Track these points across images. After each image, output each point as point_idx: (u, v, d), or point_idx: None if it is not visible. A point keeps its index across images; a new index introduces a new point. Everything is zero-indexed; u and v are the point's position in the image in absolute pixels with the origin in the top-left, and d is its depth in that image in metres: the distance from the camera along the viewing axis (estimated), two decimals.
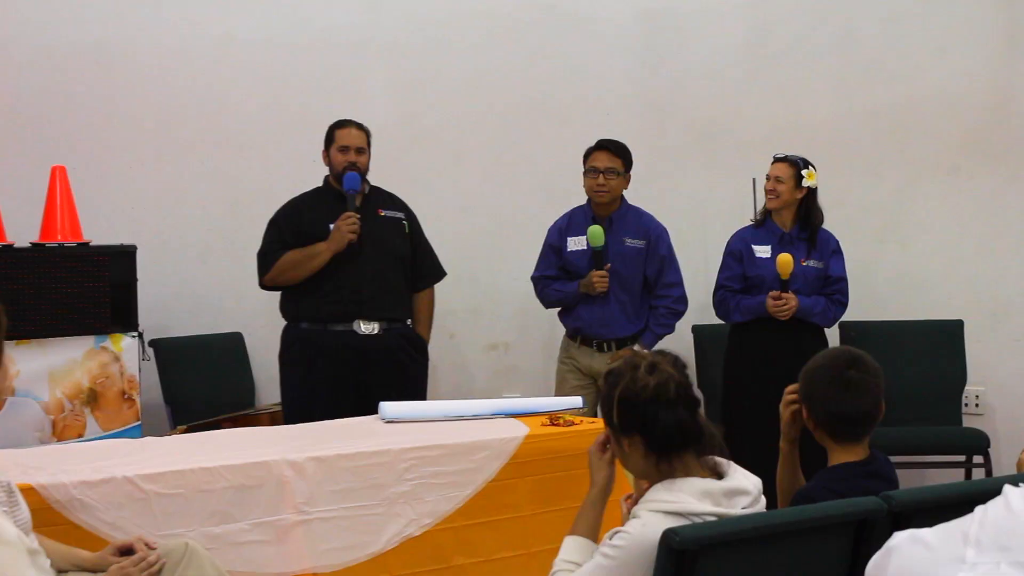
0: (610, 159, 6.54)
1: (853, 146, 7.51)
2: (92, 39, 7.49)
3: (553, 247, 6.68)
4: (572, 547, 3.32)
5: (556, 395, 6.52)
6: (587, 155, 6.60)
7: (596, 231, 6.45)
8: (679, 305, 6.70)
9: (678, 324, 6.96)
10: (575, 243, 6.60)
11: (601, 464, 3.43)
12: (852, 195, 7.41)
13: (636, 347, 6.55)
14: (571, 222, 6.68)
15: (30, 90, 7.42)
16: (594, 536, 3.30)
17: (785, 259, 6.33)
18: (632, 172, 6.63)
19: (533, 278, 6.76)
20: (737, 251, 6.60)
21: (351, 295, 6.14)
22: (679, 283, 6.70)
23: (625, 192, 6.65)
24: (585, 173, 6.57)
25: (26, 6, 7.40)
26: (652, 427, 3.12)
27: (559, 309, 6.76)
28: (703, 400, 3.96)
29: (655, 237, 6.66)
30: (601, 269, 6.46)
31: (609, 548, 3.05)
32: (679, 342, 6.96)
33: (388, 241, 6.29)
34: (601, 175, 6.51)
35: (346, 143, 6.27)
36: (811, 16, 7.62)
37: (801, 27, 7.63)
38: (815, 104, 7.57)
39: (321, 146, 6.43)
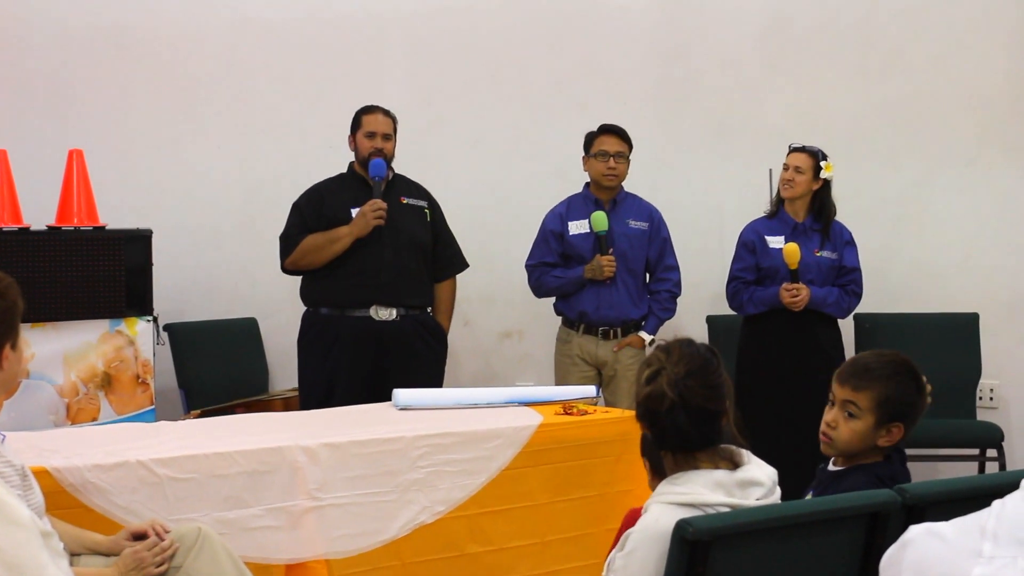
0: (619, 143, 6.56)
1: (870, 137, 7.49)
2: (109, 22, 7.50)
3: (554, 233, 6.66)
4: None
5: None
6: (591, 139, 6.61)
7: (600, 216, 6.47)
8: (678, 289, 6.75)
9: (693, 314, 6.94)
10: (577, 227, 6.61)
11: None
12: (869, 186, 7.39)
13: (642, 334, 6.57)
14: (570, 207, 6.69)
15: (47, 73, 7.43)
16: None
17: (791, 248, 6.31)
18: (649, 162, 6.63)
19: (529, 265, 6.73)
20: (750, 242, 6.59)
21: (370, 280, 6.14)
22: (678, 267, 6.75)
23: (637, 179, 6.66)
24: (594, 157, 6.57)
25: None
26: (651, 426, 3.15)
27: (553, 299, 6.76)
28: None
29: (657, 219, 6.72)
30: (606, 254, 6.46)
31: (621, 558, 3.05)
32: (694, 333, 6.94)
33: (408, 228, 6.28)
34: (612, 159, 6.52)
35: (373, 129, 6.27)
36: (829, 7, 7.59)
37: (819, 18, 7.60)
38: (833, 95, 7.54)
39: (338, 131, 6.44)
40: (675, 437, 3.11)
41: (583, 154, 6.65)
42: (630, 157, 6.61)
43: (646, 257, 6.68)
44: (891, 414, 3.48)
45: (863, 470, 3.49)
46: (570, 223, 6.63)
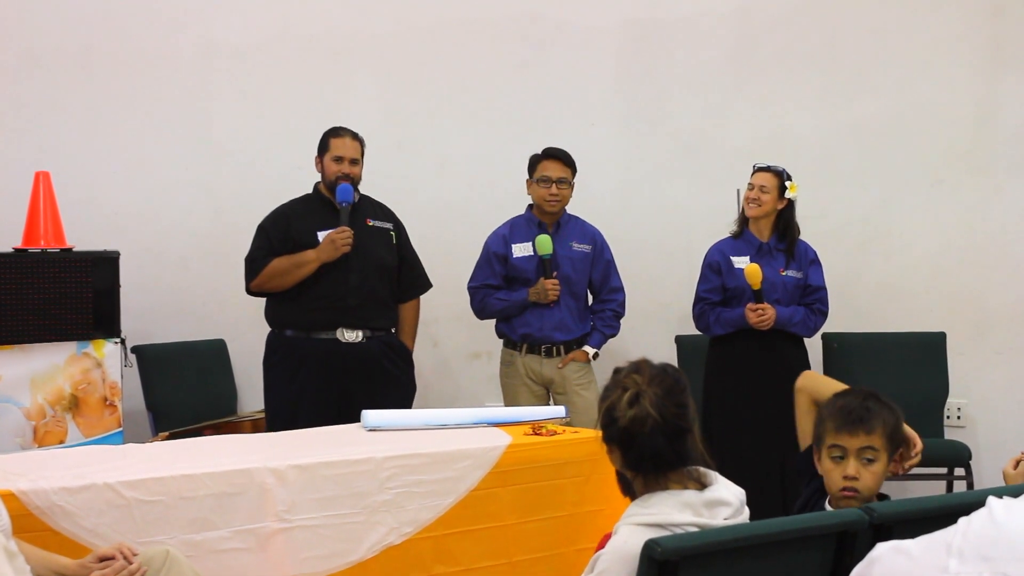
0: (562, 169, 6.58)
1: (837, 158, 7.53)
2: (76, 45, 7.49)
3: (497, 255, 6.67)
4: None
5: None
6: (535, 163, 6.64)
7: (544, 240, 6.49)
8: (623, 309, 6.79)
9: (661, 334, 6.95)
10: (521, 249, 6.62)
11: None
12: (835, 206, 7.43)
13: (587, 348, 6.59)
14: (513, 229, 6.71)
15: (14, 96, 7.40)
16: None
17: (753, 269, 6.32)
18: (616, 183, 6.63)
19: (471, 287, 6.73)
20: (715, 263, 6.59)
21: (336, 303, 6.14)
22: (623, 288, 6.79)
23: (604, 201, 6.68)
24: (537, 182, 6.59)
25: (11, 11, 7.39)
26: (628, 449, 3.15)
27: (495, 321, 6.78)
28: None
29: (600, 242, 6.75)
30: (550, 277, 6.48)
31: None
32: (662, 353, 6.95)
33: (375, 251, 6.29)
34: (554, 184, 6.54)
35: (341, 153, 6.26)
36: (796, 28, 7.63)
37: (786, 39, 7.64)
38: (799, 116, 7.58)
39: (305, 152, 6.42)
40: (652, 458, 3.11)
41: (527, 177, 6.67)
42: (574, 181, 6.63)
43: (589, 279, 6.71)
44: (896, 442, 3.55)
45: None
46: (514, 245, 6.64)
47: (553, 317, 6.57)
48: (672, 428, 3.10)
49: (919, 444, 3.60)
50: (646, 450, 3.10)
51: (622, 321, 6.79)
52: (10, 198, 6.79)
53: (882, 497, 3.55)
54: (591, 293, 6.78)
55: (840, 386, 3.81)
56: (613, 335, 6.76)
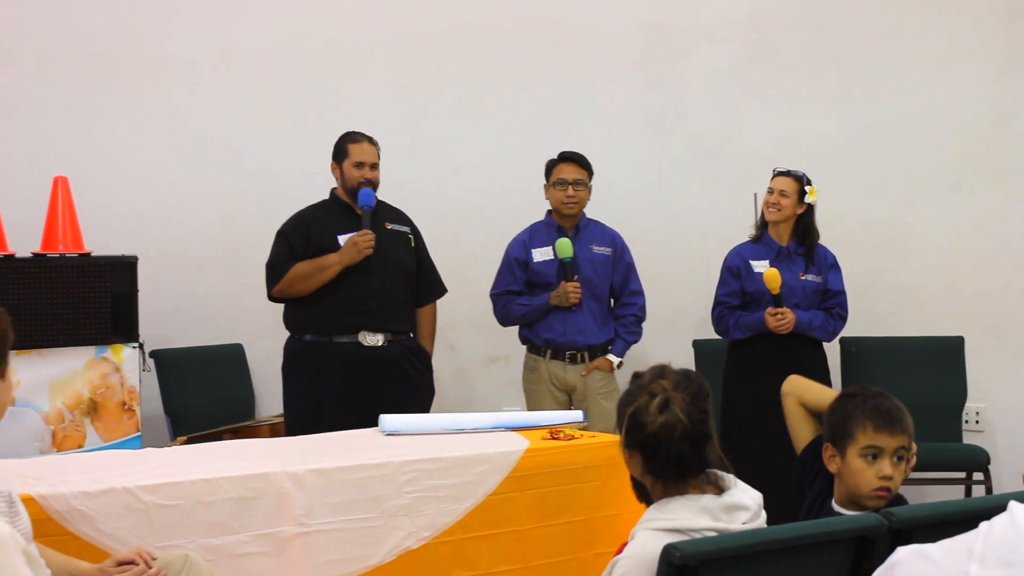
0: (578, 171, 6.59)
1: (853, 162, 7.53)
2: (94, 50, 7.51)
3: (517, 261, 6.69)
4: None
5: None
6: (551, 167, 6.66)
7: (565, 243, 6.50)
8: (644, 313, 6.78)
9: (679, 339, 6.94)
10: (541, 254, 6.64)
11: None
12: (852, 211, 7.42)
13: (610, 357, 6.58)
14: (533, 235, 6.73)
15: (33, 101, 7.42)
16: None
17: (772, 274, 6.32)
18: (633, 187, 6.63)
19: (493, 294, 6.76)
20: (735, 267, 6.60)
21: (358, 307, 6.14)
22: (642, 291, 6.79)
23: (621, 204, 6.67)
24: (553, 185, 6.61)
25: (30, 16, 7.41)
26: (652, 455, 3.13)
27: (518, 327, 6.77)
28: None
29: (620, 245, 6.76)
30: (571, 280, 6.47)
31: None
32: (680, 357, 6.95)
33: (394, 255, 6.29)
34: (570, 187, 6.54)
35: (361, 159, 6.27)
36: (812, 32, 7.64)
37: (802, 43, 7.65)
38: (816, 120, 7.58)
39: (320, 159, 6.44)
40: (676, 464, 3.10)
41: (544, 181, 6.67)
42: (591, 184, 6.63)
43: (610, 282, 6.70)
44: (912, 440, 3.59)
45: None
46: (533, 250, 6.66)
47: (576, 321, 6.57)
48: (698, 434, 3.10)
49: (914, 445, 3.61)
50: (671, 456, 3.08)
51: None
52: (29, 203, 6.80)
53: (900, 500, 3.55)
54: (612, 296, 6.76)
55: (825, 389, 3.92)
56: (635, 341, 6.74)
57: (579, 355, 6.60)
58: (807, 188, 6.44)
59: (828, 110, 7.59)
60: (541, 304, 6.58)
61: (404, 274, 6.34)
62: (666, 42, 7.76)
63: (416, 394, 6.27)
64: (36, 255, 6.53)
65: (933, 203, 7.46)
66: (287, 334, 6.34)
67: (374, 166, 6.29)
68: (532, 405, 6.67)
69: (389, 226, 6.35)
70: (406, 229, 6.45)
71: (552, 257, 6.58)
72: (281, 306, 6.36)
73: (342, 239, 6.17)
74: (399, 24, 7.78)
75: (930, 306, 7.44)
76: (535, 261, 6.63)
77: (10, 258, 6.44)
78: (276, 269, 6.26)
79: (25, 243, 6.58)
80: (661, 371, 3.18)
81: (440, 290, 6.62)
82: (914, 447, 3.60)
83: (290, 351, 6.32)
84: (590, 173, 6.63)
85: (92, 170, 7.30)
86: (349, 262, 6.13)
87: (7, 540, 2.65)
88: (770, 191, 6.52)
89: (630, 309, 6.73)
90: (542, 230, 6.70)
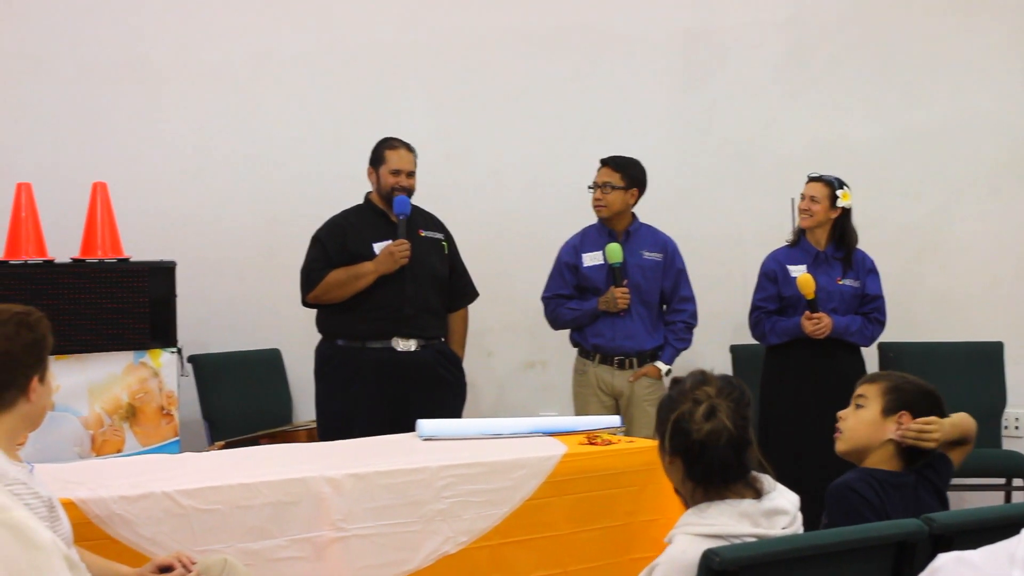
0: (607, 174, 6.56)
1: (891, 166, 7.50)
2: (132, 56, 7.54)
3: (568, 265, 6.67)
4: None
5: None
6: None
7: (614, 248, 6.47)
8: (694, 320, 6.73)
9: (716, 344, 6.92)
10: (591, 259, 6.60)
11: None
12: (891, 215, 7.39)
13: (659, 364, 6.55)
14: (584, 239, 6.70)
15: (71, 106, 7.46)
16: None
17: (806, 279, 6.30)
18: (669, 192, 6.60)
19: (544, 298, 6.73)
20: (772, 272, 6.58)
21: (391, 314, 6.14)
22: (693, 298, 6.73)
23: (657, 209, 6.66)
24: (589, 188, 6.62)
25: (69, 23, 7.44)
26: (696, 462, 3.11)
27: (569, 331, 6.76)
28: None
29: (671, 250, 6.70)
30: (620, 286, 6.46)
31: None
32: (717, 362, 6.93)
33: (428, 261, 6.29)
34: (599, 189, 6.53)
35: (398, 167, 6.26)
36: (849, 36, 7.61)
37: (838, 47, 7.62)
38: (853, 124, 7.56)
39: (357, 163, 6.44)
40: (720, 471, 3.09)
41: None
42: (633, 188, 6.59)
43: (660, 288, 6.66)
44: (898, 402, 3.70)
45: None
46: (584, 255, 6.63)
47: (624, 326, 6.54)
48: (741, 440, 3.09)
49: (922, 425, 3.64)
50: (716, 463, 3.07)
51: None
52: (68, 208, 6.83)
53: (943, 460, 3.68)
54: (663, 303, 6.73)
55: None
56: (685, 348, 6.69)
57: (627, 361, 6.57)
58: (839, 192, 6.42)
59: (866, 114, 7.56)
60: (590, 309, 6.56)
61: (437, 281, 6.34)
62: (703, 47, 7.75)
63: (449, 397, 6.27)
64: (75, 260, 6.56)
65: (972, 208, 7.43)
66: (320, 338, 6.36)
67: (410, 174, 6.29)
68: (579, 408, 6.64)
69: (423, 233, 6.35)
70: (440, 236, 6.45)
71: (602, 262, 6.55)
72: (315, 311, 6.37)
73: (377, 247, 6.17)
74: (436, 30, 7.78)
75: (968, 311, 7.40)
76: (585, 266, 6.61)
77: (49, 263, 6.48)
78: (311, 275, 6.27)
79: (64, 249, 6.62)
80: (703, 377, 3.17)
81: (472, 295, 6.62)
82: (915, 424, 3.67)
83: (322, 356, 6.33)
84: (624, 174, 6.56)
85: (131, 176, 7.32)
86: (385, 271, 6.13)
87: (49, 547, 2.68)
88: (802, 197, 6.51)
89: (680, 316, 6.68)
90: (593, 234, 6.68)
